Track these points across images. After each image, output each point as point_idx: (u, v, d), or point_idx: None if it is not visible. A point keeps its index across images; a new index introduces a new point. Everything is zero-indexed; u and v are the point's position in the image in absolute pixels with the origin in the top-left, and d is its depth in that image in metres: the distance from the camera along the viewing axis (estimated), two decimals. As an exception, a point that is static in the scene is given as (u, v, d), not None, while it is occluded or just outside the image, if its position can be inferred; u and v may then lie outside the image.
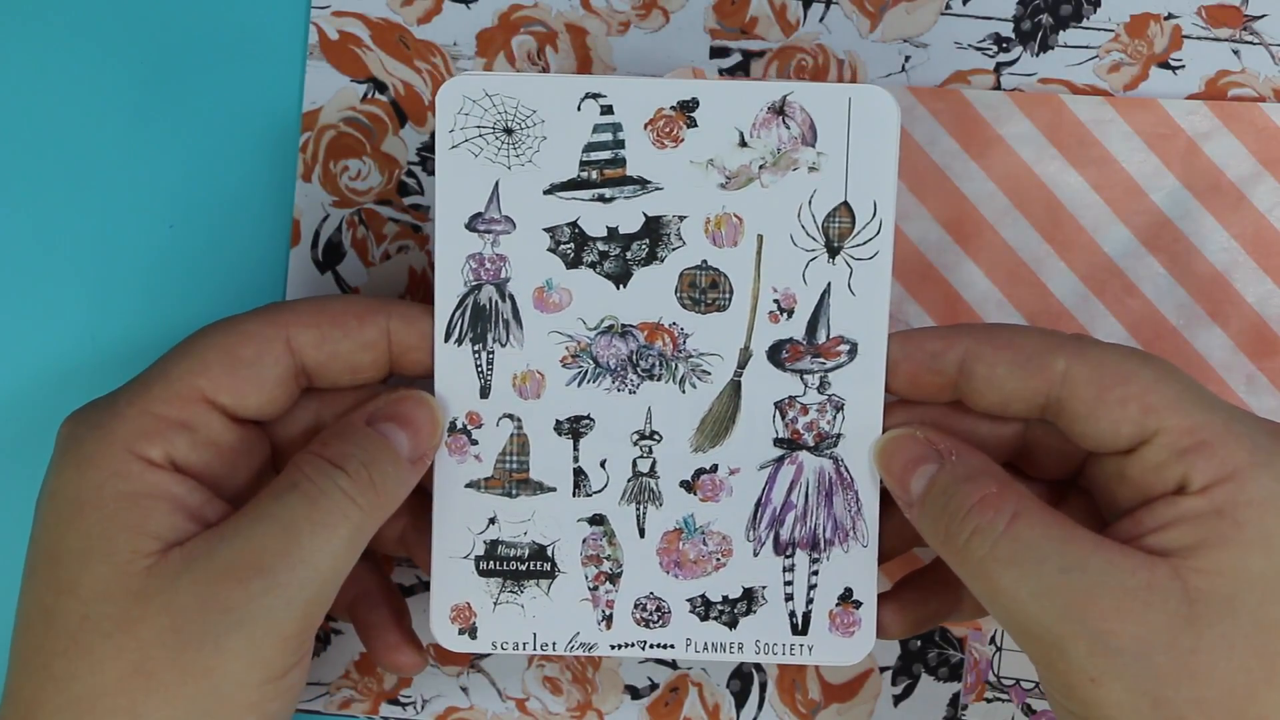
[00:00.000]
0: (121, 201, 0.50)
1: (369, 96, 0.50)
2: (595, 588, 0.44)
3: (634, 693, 0.50)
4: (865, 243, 0.42)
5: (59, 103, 0.50)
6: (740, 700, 0.50)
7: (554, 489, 0.44)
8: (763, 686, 0.50)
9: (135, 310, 0.50)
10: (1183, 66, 0.50)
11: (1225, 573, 0.37)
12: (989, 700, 0.50)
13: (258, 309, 0.42)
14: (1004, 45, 0.50)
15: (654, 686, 0.50)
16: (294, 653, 0.39)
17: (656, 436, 0.43)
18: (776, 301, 0.43)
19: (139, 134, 0.50)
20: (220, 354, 0.41)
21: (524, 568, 0.44)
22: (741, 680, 0.50)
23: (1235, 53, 0.49)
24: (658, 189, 0.42)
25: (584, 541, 0.44)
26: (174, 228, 0.50)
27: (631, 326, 0.43)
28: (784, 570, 0.44)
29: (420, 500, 0.44)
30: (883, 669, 0.50)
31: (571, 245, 0.42)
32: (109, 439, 0.40)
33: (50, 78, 0.50)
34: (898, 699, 0.50)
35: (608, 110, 0.42)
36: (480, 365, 0.43)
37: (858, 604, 0.44)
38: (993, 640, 0.50)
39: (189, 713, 0.38)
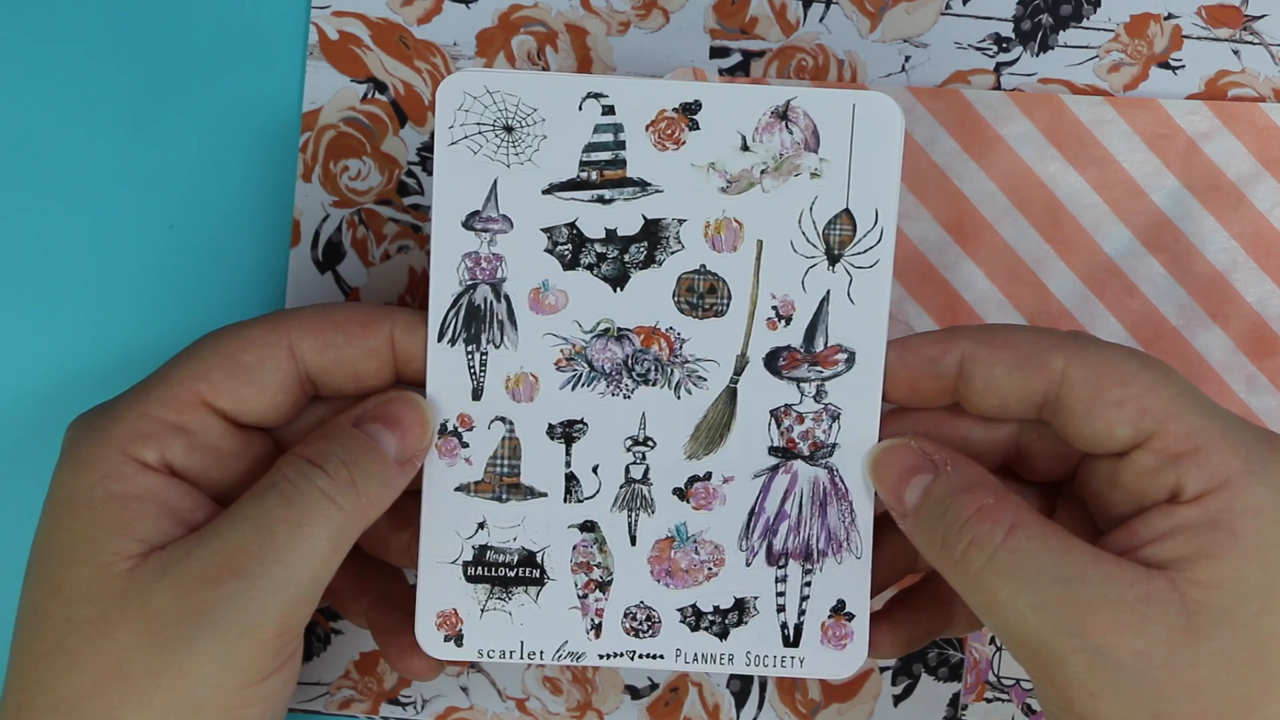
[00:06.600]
0: (122, 202, 0.50)
1: (369, 96, 0.50)
2: (585, 596, 0.43)
3: (634, 693, 0.50)
4: (866, 251, 0.42)
5: (59, 103, 0.50)
6: (740, 700, 0.50)
7: (545, 494, 0.43)
8: (763, 687, 0.50)
9: (136, 310, 0.50)
10: (1183, 66, 0.49)
11: (1223, 585, 0.37)
12: (989, 700, 0.50)
13: (262, 316, 0.42)
14: (1004, 45, 0.49)
15: (654, 687, 0.50)
16: (273, 656, 0.39)
17: (650, 443, 0.43)
18: (775, 308, 0.42)
19: (139, 134, 0.50)
20: (221, 359, 0.41)
21: (512, 574, 0.43)
22: (741, 680, 0.50)
23: (1235, 53, 0.49)
24: (658, 191, 0.42)
25: (574, 548, 0.43)
26: (174, 228, 0.50)
27: (628, 330, 0.42)
28: (776, 581, 0.43)
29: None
30: (883, 669, 0.50)
31: (569, 246, 0.42)
32: (105, 441, 0.40)
33: (50, 79, 0.50)
34: (898, 699, 0.50)
35: (609, 110, 0.42)
36: (473, 366, 0.42)
37: (850, 616, 0.43)
38: (992, 640, 0.50)
39: (164, 717, 0.38)
